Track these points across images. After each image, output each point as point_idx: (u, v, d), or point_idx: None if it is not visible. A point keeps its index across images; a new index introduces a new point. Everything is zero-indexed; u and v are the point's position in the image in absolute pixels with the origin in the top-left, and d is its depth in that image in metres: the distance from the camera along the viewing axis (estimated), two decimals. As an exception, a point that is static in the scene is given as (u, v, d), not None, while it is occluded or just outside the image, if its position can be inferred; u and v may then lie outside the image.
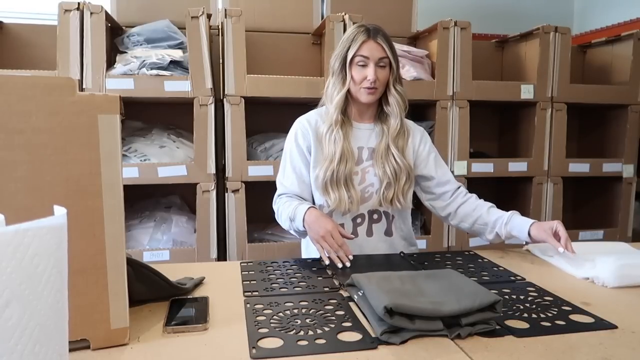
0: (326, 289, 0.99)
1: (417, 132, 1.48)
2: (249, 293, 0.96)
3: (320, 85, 2.01)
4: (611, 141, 2.46)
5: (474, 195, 1.44)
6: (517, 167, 2.25)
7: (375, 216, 1.43)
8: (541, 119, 2.26)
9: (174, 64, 1.96)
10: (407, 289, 0.84)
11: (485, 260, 1.23)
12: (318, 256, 1.24)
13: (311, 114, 1.47)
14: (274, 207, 1.42)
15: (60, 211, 0.43)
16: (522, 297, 0.95)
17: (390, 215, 1.44)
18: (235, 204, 1.96)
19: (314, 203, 1.42)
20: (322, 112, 1.45)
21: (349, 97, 1.40)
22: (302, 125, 1.44)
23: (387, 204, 1.39)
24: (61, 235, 0.44)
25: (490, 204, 1.41)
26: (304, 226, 1.26)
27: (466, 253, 1.31)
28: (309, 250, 1.45)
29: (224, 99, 1.96)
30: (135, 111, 2.13)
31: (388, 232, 1.44)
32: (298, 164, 1.41)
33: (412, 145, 1.45)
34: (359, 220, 1.42)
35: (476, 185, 2.24)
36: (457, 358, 0.71)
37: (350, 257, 1.18)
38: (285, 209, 1.33)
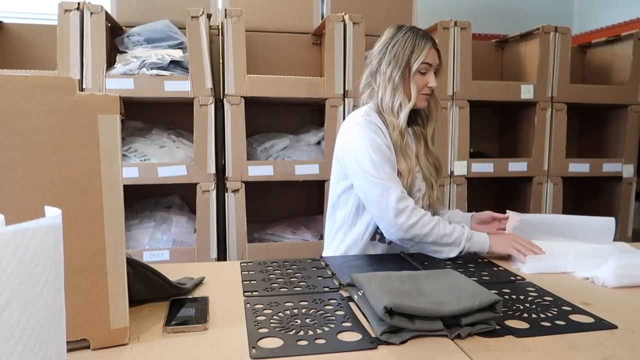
0: (326, 289, 0.99)
1: None
2: (249, 293, 0.96)
3: (320, 85, 2.01)
4: (611, 141, 2.47)
5: None
6: (517, 167, 2.25)
7: None
8: (541, 119, 2.26)
9: (174, 64, 1.96)
10: (407, 289, 0.84)
11: (485, 260, 1.23)
12: (319, 256, 1.24)
13: (374, 117, 1.35)
14: (413, 212, 1.24)
15: (52, 212, 0.43)
16: (522, 297, 0.95)
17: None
18: (235, 204, 1.96)
19: None
20: (375, 116, 1.35)
21: None
22: (376, 126, 1.32)
23: (436, 204, 1.42)
24: (58, 235, 0.44)
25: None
26: (489, 245, 1.25)
27: (466, 253, 1.30)
28: (338, 250, 1.41)
29: (224, 99, 1.96)
30: (135, 111, 2.13)
31: None
32: (390, 155, 1.31)
33: None
34: None
35: (476, 185, 2.25)
36: (457, 358, 0.71)
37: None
38: (445, 228, 1.24)
